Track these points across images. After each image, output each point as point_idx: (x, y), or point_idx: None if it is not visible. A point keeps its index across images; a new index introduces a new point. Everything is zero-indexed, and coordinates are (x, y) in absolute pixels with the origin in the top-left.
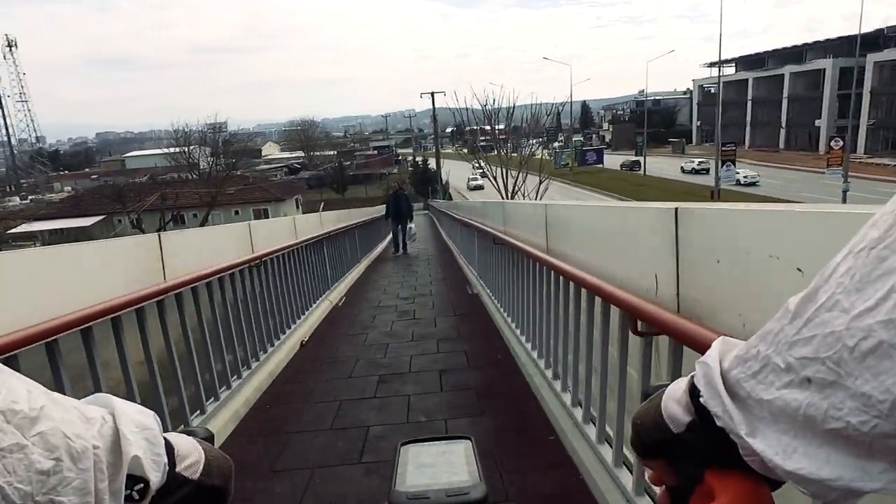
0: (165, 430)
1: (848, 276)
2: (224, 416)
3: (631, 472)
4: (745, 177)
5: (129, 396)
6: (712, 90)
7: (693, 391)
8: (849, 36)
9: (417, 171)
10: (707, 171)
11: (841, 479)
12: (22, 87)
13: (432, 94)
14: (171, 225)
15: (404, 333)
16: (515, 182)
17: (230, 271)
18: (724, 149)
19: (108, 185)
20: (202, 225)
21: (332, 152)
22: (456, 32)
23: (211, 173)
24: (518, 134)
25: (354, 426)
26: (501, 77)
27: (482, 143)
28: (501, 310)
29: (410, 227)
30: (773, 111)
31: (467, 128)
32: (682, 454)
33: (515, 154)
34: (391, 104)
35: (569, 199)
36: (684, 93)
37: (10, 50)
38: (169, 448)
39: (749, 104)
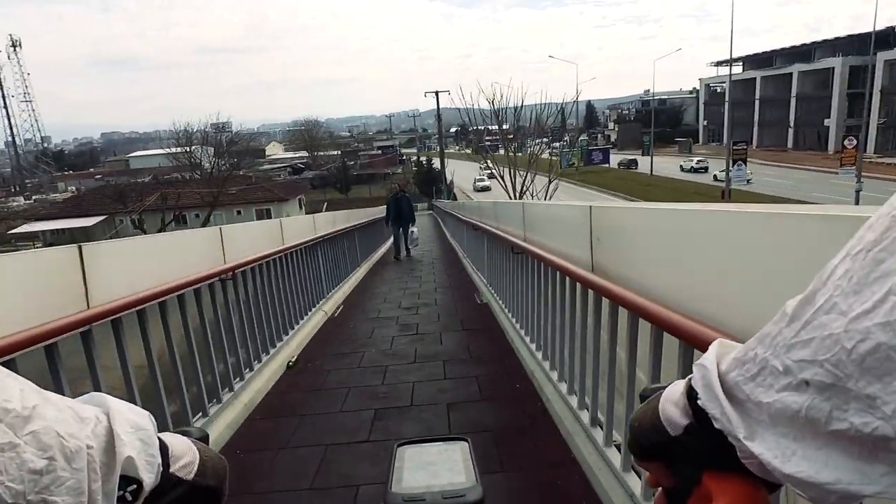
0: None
1: (845, 278)
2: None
3: None
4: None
5: None
6: (718, 89)
7: (691, 393)
8: (858, 34)
9: (421, 170)
10: (705, 169)
11: (840, 482)
12: (26, 87)
13: (436, 93)
14: (173, 225)
15: (406, 352)
16: (524, 182)
17: (179, 292)
18: (735, 148)
19: (110, 186)
20: (204, 225)
21: (336, 152)
22: (458, 33)
23: (212, 173)
24: (523, 133)
25: (341, 484)
26: (505, 77)
27: (487, 143)
28: (519, 328)
29: (412, 231)
30: (781, 110)
31: (472, 128)
32: (679, 456)
33: (520, 154)
34: (395, 104)
35: (581, 200)
36: (690, 92)
37: (14, 50)
38: (163, 448)
39: (756, 103)
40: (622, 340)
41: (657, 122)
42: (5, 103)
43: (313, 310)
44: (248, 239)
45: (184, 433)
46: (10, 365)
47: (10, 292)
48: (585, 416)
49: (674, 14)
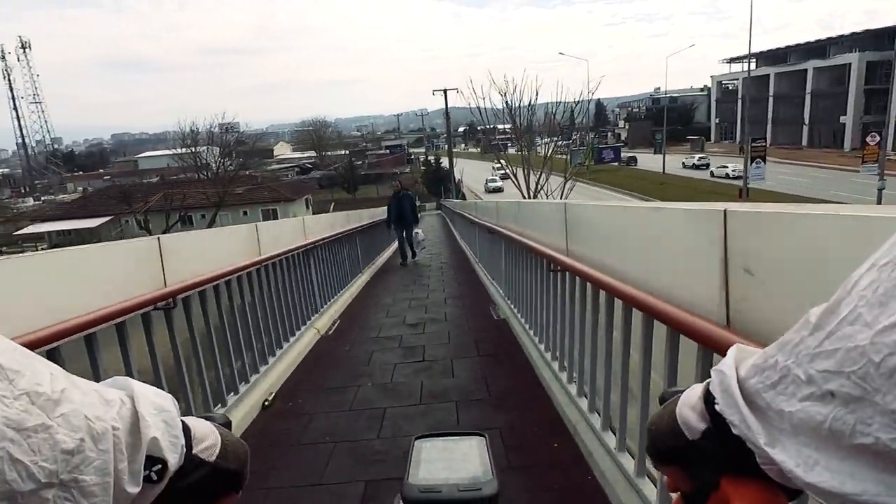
0: None
1: (871, 289)
2: None
3: None
4: (733, 170)
5: None
6: (730, 87)
7: (708, 398)
8: (874, 30)
9: (430, 169)
10: (706, 166)
11: (865, 493)
12: (35, 88)
13: (444, 91)
14: (179, 226)
15: (409, 388)
16: (538, 181)
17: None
18: (753, 145)
19: (114, 187)
20: (210, 226)
21: (344, 152)
22: (466, 32)
23: (218, 173)
24: (532, 132)
25: None
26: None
27: (497, 141)
28: (549, 357)
29: (417, 233)
30: (796, 108)
31: (480, 127)
32: (697, 461)
33: (527, 153)
34: (403, 104)
35: (589, 199)
36: (701, 90)
37: (24, 51)
38: (186, 431)
39: (770, 100)
40: None
41: (668, 120)
42: (15, 104)
43: (303, 328)
44: (202, 252)
45: (208, 418)
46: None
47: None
48: None
49: (684, 11)
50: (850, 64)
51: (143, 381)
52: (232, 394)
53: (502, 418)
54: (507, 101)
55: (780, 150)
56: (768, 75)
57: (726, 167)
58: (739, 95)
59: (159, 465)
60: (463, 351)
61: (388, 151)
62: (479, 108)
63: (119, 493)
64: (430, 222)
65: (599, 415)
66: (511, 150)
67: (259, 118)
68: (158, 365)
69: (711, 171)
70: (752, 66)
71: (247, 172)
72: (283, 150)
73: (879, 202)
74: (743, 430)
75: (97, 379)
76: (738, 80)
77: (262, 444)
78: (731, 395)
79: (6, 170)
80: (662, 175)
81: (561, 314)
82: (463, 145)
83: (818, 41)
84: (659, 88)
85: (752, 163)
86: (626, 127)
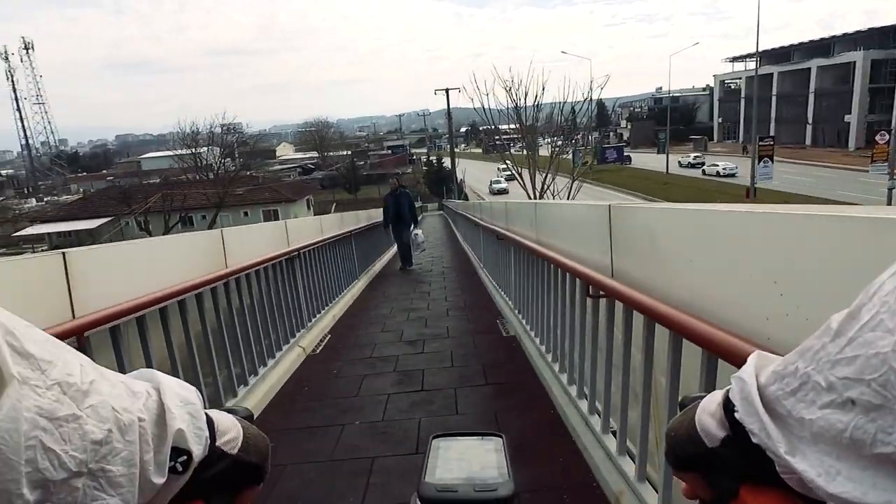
0: None
1: (893, 294)
2: None
3: None
4: (723, 168)
5: None
6: (733, 86)
7: (728, 405)
8: (879, 28)
9: (432, 170)
10: (702, 164)
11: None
12: (39, 89)
13: (447, 91)
14: (179, 227)
15: (404, 430)
16: (544, 181)
17: None
18: (761, 144)
19: (114, 187)
20: (210, 227)
21: (346, 152)
22: (469, 33)
23: (218, 173)
24: (538, 131)
25: None
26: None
27: (501, 141)
28: (575, 395)
29: (416, 235)
30: (799, 107)
31: (482, 128)
32: (716, 468)
33: (533, 152)
34: (406, 104)
35: (594, 200)
36: (703, 89)
37: (27, 52)
38: (210, 423)
39: (774, 99)
40: None
41: (671, 119)
42: (18, 105)
43: (285, 348)
44: (115, 272)
45: (230, 411)
46: None
47: None
48: None
49: (684, 12)
50: (854, 62)
51: None
52: None
53: (520, 478)
54: (512, 96)
55: (784, 150)
56: (772, 74)
57: (717, 165)
58: (742, 95)
59: (184, 457)
60: (468, 378)
61: (390, 152)
62: (482, 106)
63: (145, 484)
64: (432, 223)
65: (657, 491)
66: (514, 150)
67: (263, 118)
68: None
69: (703, 170)
70: (756, 64)
71: (248, 173)
72: (285, 151)
73: (889, 202)
74: (763, 438)
75: None
76: (740, 79)
77: None
78: (750, 402)
79: (10, 171)
80: (666, 175)
81: (598, 350)
82: (463, 145)
83: (822, 39)
84: (661, 88)
85: (759, 162)
86: (628, 127)
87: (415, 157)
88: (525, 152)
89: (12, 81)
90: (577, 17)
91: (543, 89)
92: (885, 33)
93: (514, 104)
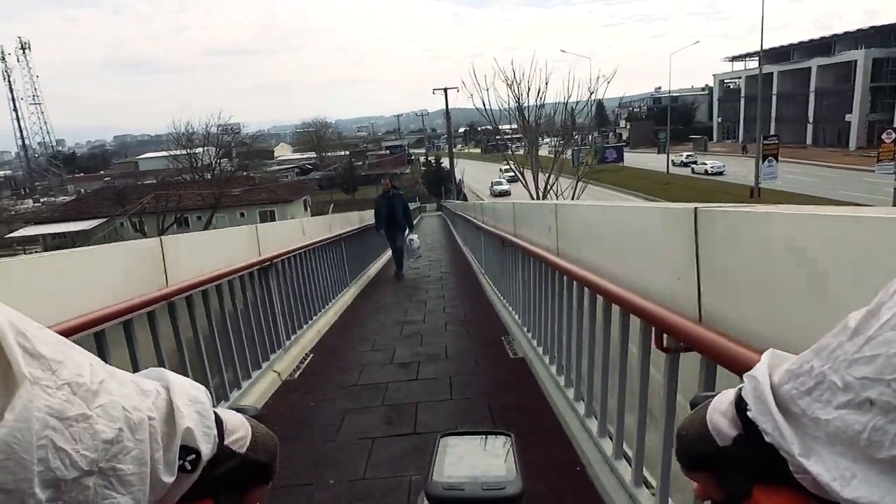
0: None
1: None
2: None
3: None
4: (711, 166)
5: None
6: (732, 86)
7: (740, 404)
8: (880, 26)
9: (430, 170)
10: (695, 162)
11: None
12: (35, 89)
13: (445, 90)
14: (174, 228)
15: (392, 497)
16: (547, 181)
17: None
18: (765, 143)
19: (108, 188)
20: (206, 228)
21: (344, 152)
22: (468, 33)
23: (213, 174)
24: (540, 129)
25: None
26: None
27: (503, 140)
28: (603, 444)
29: (412, 241)
30: (799, 106)
31: (481, 128)
32: (728, 468)
33: (535, 151)
34: (405, 105)
35: (599, 201)
36: (702, 89)
37: (24, 52)
38: (218, 422)
39: (774, 99)
40: None
41: (670, 119)
42: (15, 106)
43: (255, 374)
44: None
45: (239, 410)
46: None
47: None
48: None
49: (682, 12)
50: (855, 61)
51: None
52: None
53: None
54: (514, 92)
55: (785, 149)
56: (772, 73)
57: (705, 164)
58: (742, 94)
59: (193, 455)
60: (471, 415)
61: (388, 152)
62: (483, 103)
63: (155, 482)
64: (430, 224)
65: None
66: (517, 147)
67: (261, 119)
68: None
69: (692, 168)
70: (755, 63)
71: (244, 173)
72: (283, 151)
73: None
74: (776, 437)
75: None
76: (740, 78)
77: None
78: (763, 401)
79: (8, 171)
80: (667, 175)
81: (654, 408)
82: (461, 145)
83: (822, 38)
84: (660, 88)
85: (763, 161)
86: (627, 126)
87: (413, 158)
88: (525, 152)
89: (9, 82)
90: (575, 17)
91: (546, 84)
92: (886, 32)
93: (515, 101)
